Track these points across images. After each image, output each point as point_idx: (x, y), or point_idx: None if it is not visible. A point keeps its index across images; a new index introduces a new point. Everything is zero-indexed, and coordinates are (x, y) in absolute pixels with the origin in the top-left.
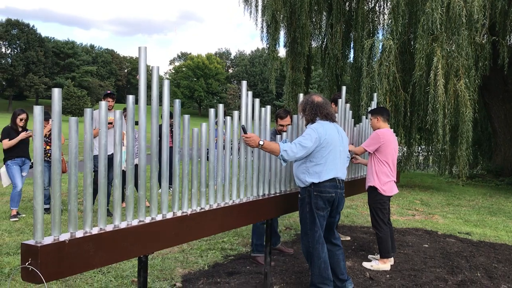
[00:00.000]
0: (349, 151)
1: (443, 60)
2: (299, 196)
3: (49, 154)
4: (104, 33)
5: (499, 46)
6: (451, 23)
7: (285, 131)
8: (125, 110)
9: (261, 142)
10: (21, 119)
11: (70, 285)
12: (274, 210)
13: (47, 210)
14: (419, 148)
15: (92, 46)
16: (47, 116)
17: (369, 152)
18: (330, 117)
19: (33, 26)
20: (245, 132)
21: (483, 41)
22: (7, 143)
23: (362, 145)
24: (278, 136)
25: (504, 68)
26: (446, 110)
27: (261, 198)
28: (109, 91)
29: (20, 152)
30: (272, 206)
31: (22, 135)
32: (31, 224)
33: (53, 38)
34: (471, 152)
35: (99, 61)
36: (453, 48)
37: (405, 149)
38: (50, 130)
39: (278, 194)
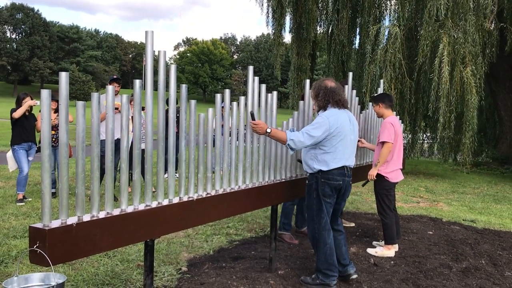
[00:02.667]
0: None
1: (449, 47)
2: (307, 182)
3: (53, 139)
4: (110, 18)
5: (507, 32)
6: (458, 9)
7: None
8: (132, 95)
9: (268, 130)
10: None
11: (77, 268)
12: (280, 196)
13: (53, 194)
14: (424, 136)
15: (96, 31)
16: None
17: (378, 140)
18: (341, 104)
19: (38, 10)
20: (253, 119)
21: (491, 28)
22: (15, 114)
23: (385, 140)
24: (284, 122)
25: (511, 56)
26: (450, 97)
27: (266, 183)
28: (115, 76)
29: (26, 136)
30: (277, 192)
31: (30, 102)
32: (37, 208)
33: (58, 22)
34: (476, 139)
35: (104, 46)
36: (460, 35)
37: (410, 136)
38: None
39: (283, 180)
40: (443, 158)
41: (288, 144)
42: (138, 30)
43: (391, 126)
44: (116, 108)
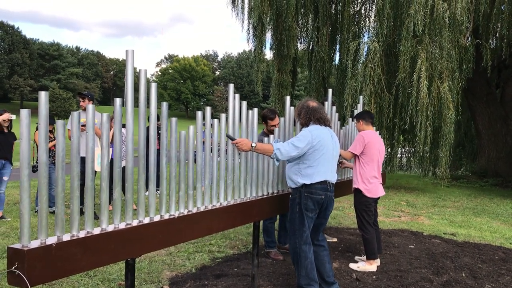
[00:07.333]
0: (341, 158)
1: (427, 62)
2: (290, 196)
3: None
4: (93, 35)
5: (483, 49)
6: (435, 25)
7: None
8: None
9: (253, 144)
10: (4, 120)
11: None
12: (262, 212)
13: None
14: (403, 150)
15: (77, 48)
16: (51, 120)
17: (355, 154)
18: (322, 121)
19: (18, 27)
20: (232, 140)
21: (467, 44)
22: None
23: (349, 150)
24: (266, 139)
25: (487, 71)
26: (428, 112)
27: (248, 200)
28: (82, 92)
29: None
30: (259, 208)
31: (4, 116)
32: (16, 228)
33: (38, 39)
34: (451, 153)
35: (85, 63)
36: (436, 51)
37: (389, 150)
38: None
39: (265, 196)
40: (422, 172)
41: (275, 154)
42: (122, 47)
43: (361, 138)
44: (83, 125)
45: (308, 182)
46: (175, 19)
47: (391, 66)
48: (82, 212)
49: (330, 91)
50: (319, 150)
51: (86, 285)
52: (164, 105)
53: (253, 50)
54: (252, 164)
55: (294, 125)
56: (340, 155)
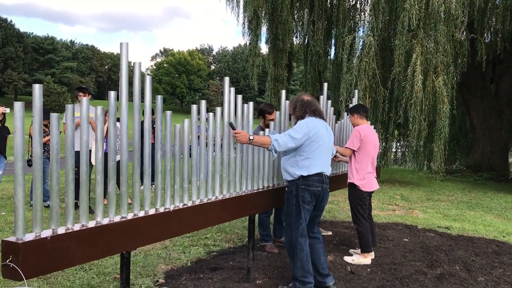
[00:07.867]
0: (336, 152)
1: (421, 56)
2: (286, 189)
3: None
4: (89, 30)
5: (477, 43)
6: (430, 19)
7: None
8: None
9: (251, 137)
10: None
11: (52, 282)
12: (257, 205)
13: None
14: (398, 144)
15: (72, 42)
16: (47, 115)
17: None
18: (318, 113)
19: (11, 21)
20: (233, 129)
21: (462, 38)
22: None
23: (346, 146)
24: (262, 132)
25: (482, 65)
26: (423, 106)
27: (244, 193)
28: (82, 86)
29: None
30: (255, 202)
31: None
32: (11, 222)
33: (32, 33)
34: (446, 148)
35: (80, 57)
36: (431, 45)
37: (383, 144)
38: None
39: (261, 190)
40: (417, 166)
41: (273, 145)
42: (117, 42)
43: (357, 133)
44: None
45: (305, 174)
46: (170, 13)
47: (386, 60)
48: (77, 207)
49: (325, 85)
50: (315, 141)
51: (81, 278)
52: (159, 98)
53: (248, 44)
54: (248, 158)
55: (290, 119)
56: (337, 151)
